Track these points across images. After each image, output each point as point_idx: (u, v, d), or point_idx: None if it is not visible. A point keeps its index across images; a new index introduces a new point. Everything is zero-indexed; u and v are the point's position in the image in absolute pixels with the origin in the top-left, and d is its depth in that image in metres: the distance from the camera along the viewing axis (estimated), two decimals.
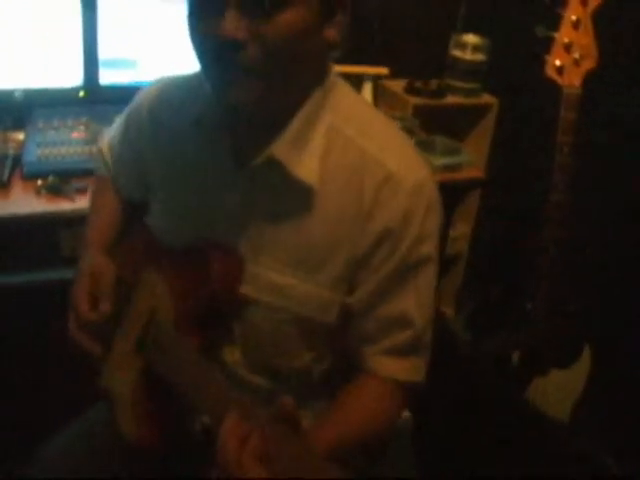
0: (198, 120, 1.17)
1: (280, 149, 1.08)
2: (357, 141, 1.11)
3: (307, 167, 1.09)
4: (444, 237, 2.58)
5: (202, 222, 1.20)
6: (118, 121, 1.43)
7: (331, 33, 1.05)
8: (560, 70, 1.86)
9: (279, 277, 1.15)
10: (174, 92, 1.27)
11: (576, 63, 1.85)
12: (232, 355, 1.21)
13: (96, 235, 1.40)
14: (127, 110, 1.39)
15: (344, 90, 1.17)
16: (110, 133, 1.46)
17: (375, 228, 1.10)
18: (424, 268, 1.14)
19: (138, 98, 1.36)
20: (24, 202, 1.82)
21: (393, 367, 1.17)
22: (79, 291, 1.23)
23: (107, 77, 2.17)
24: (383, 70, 2.60)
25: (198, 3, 1.00)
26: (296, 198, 1.11)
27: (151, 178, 1.31)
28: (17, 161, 1.93)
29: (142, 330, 1.19)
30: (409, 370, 1.19)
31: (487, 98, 2.69)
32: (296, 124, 1.09)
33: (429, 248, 1.13)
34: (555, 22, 1.87)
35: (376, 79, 2.63)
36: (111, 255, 1.31)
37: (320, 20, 1.02)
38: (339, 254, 1.12)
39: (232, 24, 0.95)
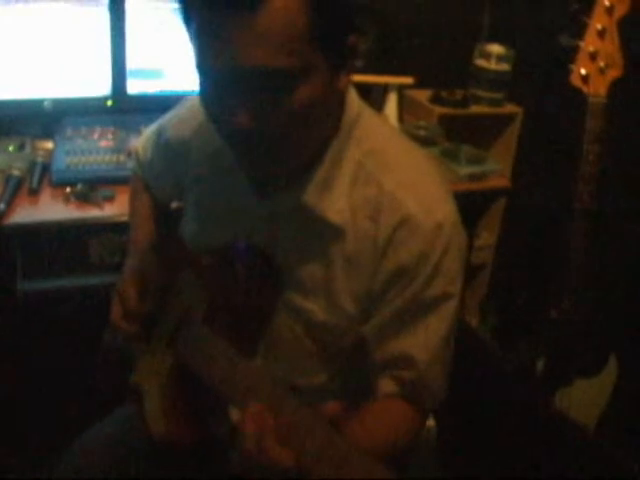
0: (216, 152, 1.18)
1: (309, 195, 1.09)
2: (377, 176, 1.09)
3: (336, 209, 1.09)
4: (469, 247, 2.57)
5: (232, 231, 1.21)
6: (154, 125, 1.45)
7: (344, 80, 1.03)
8: (585, 79, 1.85)
9: (301, 300, 1.16)
10: (199, 117, 1.23)
11: (601, 72, 1.84)
12: None
13: (139, 235, 1.44)
14: (162, 118, 1.41)
15: (370, 121, 1.14)
16: (145, 135, 1.48)
17: (390, 266, 1.09)
18: (438, 307, 1.11)
19: (171, 113, 1.37)
20: (53, 209, 1.85)
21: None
22: (127, 285, 1.26)
23: (135, 87, 2.19)
24: (408, 80, 2.60)
25: (209, 99, 1.01)
26: (321, 234, 1.11)
27: (184, 182, 1.32)
28: (46, 169, 1.96)
29: (175, 327, 1.21)
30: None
31: (511, 108, 2.69)
32: (324, 167, 1.08)
33: (443, 287, 1.10)
34: (580, 31, 1.86)
35: (401, 89, 2.63)
36: (150, 257, 1.34)
37: (331, 78, 0.99)
38: (357, 287, 1.12)
39: (245, 118, 0.94)
